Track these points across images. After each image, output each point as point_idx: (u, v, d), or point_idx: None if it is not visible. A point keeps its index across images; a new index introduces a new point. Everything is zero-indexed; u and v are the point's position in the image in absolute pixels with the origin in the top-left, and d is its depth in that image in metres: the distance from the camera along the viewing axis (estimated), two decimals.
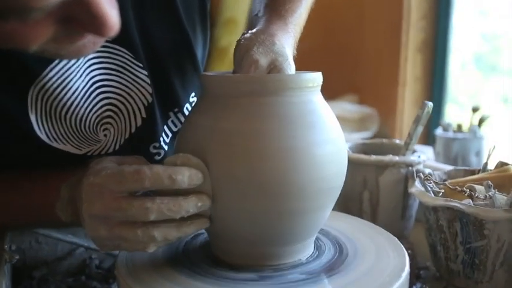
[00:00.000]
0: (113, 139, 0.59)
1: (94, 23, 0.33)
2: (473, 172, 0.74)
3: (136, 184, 0.43)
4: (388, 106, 1.96)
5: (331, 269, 0.50)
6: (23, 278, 0.65)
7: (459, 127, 1.33)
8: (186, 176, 0.44)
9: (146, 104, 0.59)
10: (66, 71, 0.53)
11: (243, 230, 0.50)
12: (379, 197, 0.74)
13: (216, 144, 0.47)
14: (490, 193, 0.57)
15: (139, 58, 0.57)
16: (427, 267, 0.72)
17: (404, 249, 0.53)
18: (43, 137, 0.54)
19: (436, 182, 0.62)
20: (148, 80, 0.59)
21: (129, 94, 0.58)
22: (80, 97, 0.55)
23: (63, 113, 0.54)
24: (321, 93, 0.52)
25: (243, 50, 0.52)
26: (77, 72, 0.54)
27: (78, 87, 0.54)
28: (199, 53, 0.66)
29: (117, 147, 0.59)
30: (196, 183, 0.45)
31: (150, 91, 0.59)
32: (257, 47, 0.51)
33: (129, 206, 0.43)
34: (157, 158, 0.62)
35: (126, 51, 0.57)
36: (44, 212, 0.54)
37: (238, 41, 0.54)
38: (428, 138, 1.81)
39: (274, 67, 0.51)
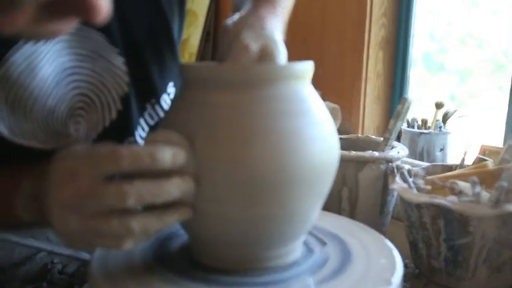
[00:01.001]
0: (84, 134, 0.53)
1: (82, 5, 0.29)
2: (450, 168, 0.74)
3: (112, 165, 0.38)
4: (350, 102, 1.96)
5: (321, 274, 0.48)
6: None
7: (424, 123, 1.34)
8: (169, 154, 0.39)
9: (122, 94, 0.54)
10: (31, 55, 0.47)
11: (227, 231, 0.46)
12: (358, 194, 0.72)
13: (201, 142, 0.43)
14: (476, 190, 0.56)
15: (116, 42, 0.52)
16: (405, 264, 0.71)
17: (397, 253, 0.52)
18: (4, 131, 0.48)
19: (426, 179, 0.61)
20: (124, 68, 0.53)
21: (103, 83, 0.52)
22: (48, 85, 0.49)
23: (29, 103, 0.48)
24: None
25: (231, 34, 0.48)
26: (45, 56, 0.48)
27: (46, 73, 0.48)
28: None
29: (88, 142, 0.54)
30: (180, 163, 0.40)
31: (127, 80, 0.54)
32: (246, 31, 0.47)
33: (105, 191, 0.37)
34: None
35: (101, 35, 0.51)
36: (1, 214, 0.48)
37: (226, 25, 0.50)
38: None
39: (266, 53, 0.47)
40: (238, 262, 0.48)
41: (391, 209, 0.76)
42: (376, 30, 1.90)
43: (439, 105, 1.34)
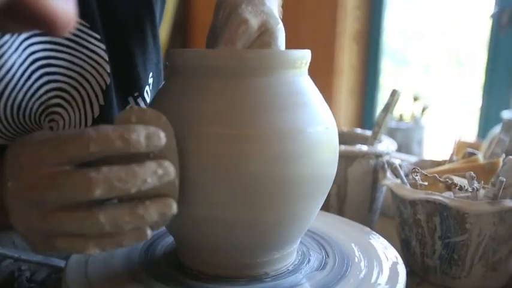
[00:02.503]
0: None
1: (41, 23, 0.23)
2: (439, 163, 0.72)
3: (78, 150, 0.32)
4: (324, 95, 1.95)
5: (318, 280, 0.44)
6: None
7: (400, 116, 1.34)
8: (143, 134, 0.33)
9: (104, 86, 0.48)
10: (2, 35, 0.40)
11: (221, 239, 0.42)
12: (347, 190, 0.69)
13: (186, 139, 0.39)
14: (475, 185, 0.54)
15: (96, 28, 0.46)
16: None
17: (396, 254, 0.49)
18: None
19: (425, 174, 0.58)
20: (106, 56, 0.47)
21: (83, 76, 0.46)
22: (17, 77, 0.43)
23: None
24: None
25: (229, 7, 0.43)
26: (12, 44, 0.42)
27: (14, 63, 0.42)
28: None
29: None
30: (157, 145, 0.34)
31: (108, 70, 0.48)
32: (246, 5, 0.43)
33: (67, 180, 0.32)
34: None
35: (80, 20, 0.45)
36: None
37: None
38: (365, 127, 1.83)
39: (266, 29, 0.43)
40: (231, 268, 0.44)
41: (380, 205, 0.74)
42: (350, 23, 1.89)
43: (415, 98, 1.34)
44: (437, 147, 1.50)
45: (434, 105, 1.54)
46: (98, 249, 0.34)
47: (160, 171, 0.34)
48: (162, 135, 0.34)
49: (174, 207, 0.36)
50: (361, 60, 1.95)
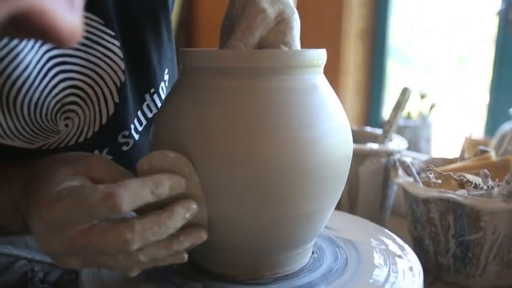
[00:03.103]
0: (77, 131, 0.47)
1: (46, 36, 0.24)
2: (451, 161, 0.71)
3: (111, 212, 0.34)
4: None
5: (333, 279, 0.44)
6: None
7: (408, 114, 1.33)
8: (167, 186, 0.36)
9: (119, 84, 0.47)
10: (11, 40, 0.40)
11: (236, 238, 0.42)
12: (358, 189, 0.69)
13: (199, 140, 0.39)
14: (490, 183, 0.54)
15: (111, 25, 0.46)
16: None
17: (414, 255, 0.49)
18: None
19: (439, 172, 0.58)
20: (120, 54, 0.47)
21: (98, 74, 0.46)
22: (33, 75, 0.42)
23: (11, 96, 0.41)
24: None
25: None
26: (28, 42, 0.41)
27: (30, 62, 0.42)
28: None
29: (81, 139, 0.48)
30: (180, 191, 0.37)
31: (123, 67, 0.47)
32: None
33: (103, 241, 0.34)
34: (125, 148, 0.51)
35: (95, 17, 0.45)
36: None
37: None
38: (371, 126, 1.82)
39: (282, 19, 0.43)
40: (247, 268, 0.44)
41: (391, 203, 0.74)
42: (355, 21, 1.88)
43: (423, 96, 1.33)
44: (445, 144, 1.49)
45: (440, 103, 1.53)
46: (138, 272, 0.38)
47: (188, 216, 0.37)
48: (183, 181, 0.37)
49: (205, 236, 0.40)
50: (366, 59, 1.94)
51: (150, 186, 0.35)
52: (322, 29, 1.97)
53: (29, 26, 0.23)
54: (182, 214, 0.37)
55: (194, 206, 0.38)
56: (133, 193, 0.34)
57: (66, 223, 0.35)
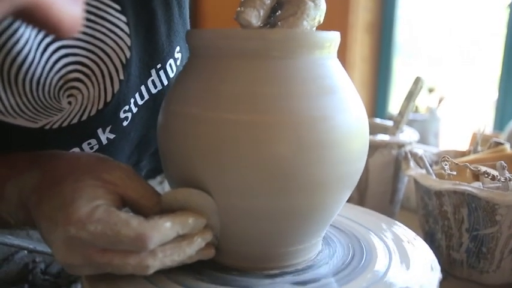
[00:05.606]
0: (80, 108, 0.45)
1: (47, 28, 0.24)
2: (463, 153, 0.69)
3: (136, 249, 0.35)
4: None
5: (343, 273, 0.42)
6: None
7: (416, 108, 1.31)
8: (191, 227, 0.38)
9: (124, 61, 0.46)
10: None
11: (248, 230, 0.40)
12: (368, 181, 0.67)
13: (205, 123, 0.37)
14: (507, 175, 0.52)
15: None
16: None
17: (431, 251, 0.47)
18: None
19: (456, 163, 0.56)
20: (127, 29, 0.45)
21: (103, 50, 0.44)
22: (33, 50, 0.40)
23: (12, 72, 0.40)
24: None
25: None
26: None
27: (30, 36, 0.40)
28: None
29: (84, 117, 0.46)
30: (200, 228, 0.39)
31: (129, 44, 0.46)
32: None
33: (123, 264, 0.35)
34: (125, 123, 0.49)
35: None
36: None
37: None
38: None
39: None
40: (255, 259, 0.42)
41: (401, 197, 0.72)
42: (362, 14, 1.86)
43: (431, 90, 1.31)
44: (452, 139, 1.47)
45: (448, 96, 1.51)
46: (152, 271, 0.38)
47: (203, 244, 0.39)
48: (203, 220, 0.39)
49: (214, 253, 0.42)
50: (373, 52, 1.92)
51: (177, 228, 0.37)
52: (329, 22, 1.95)
53: (31, 18, 0.23)
54: (200, 243, 0.39)
55: (209, 234, 0.40)
56: (162, 235, 0.36)
57: (90, 244, 0.35)
